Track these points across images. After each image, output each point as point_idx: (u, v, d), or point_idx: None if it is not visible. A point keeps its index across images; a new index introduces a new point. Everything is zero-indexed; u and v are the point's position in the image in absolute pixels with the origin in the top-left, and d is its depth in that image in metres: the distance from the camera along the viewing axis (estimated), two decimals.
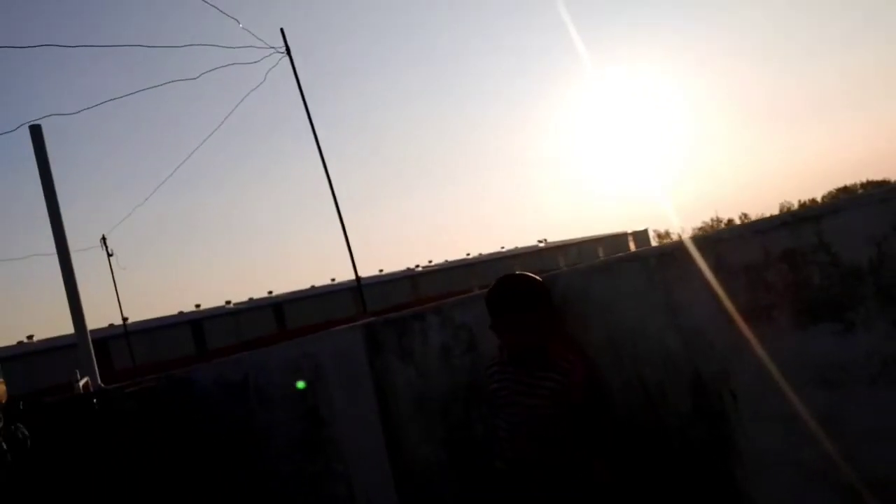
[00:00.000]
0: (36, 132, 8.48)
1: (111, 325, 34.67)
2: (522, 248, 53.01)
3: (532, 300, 2.38)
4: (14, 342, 34.43)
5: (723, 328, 2.01)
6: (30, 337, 35.13)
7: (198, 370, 5.43)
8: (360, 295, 9.52)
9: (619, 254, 2.53)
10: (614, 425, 2.39)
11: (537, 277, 2.45)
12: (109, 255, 23.28)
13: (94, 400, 4.82)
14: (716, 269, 2.02)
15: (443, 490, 3.17)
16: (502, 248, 54.22)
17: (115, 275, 24.09)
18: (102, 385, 6.97)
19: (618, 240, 57.24)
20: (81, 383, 6.29)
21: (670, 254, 2.15)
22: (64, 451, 4.53)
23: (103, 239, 23.03)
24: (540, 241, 55.93)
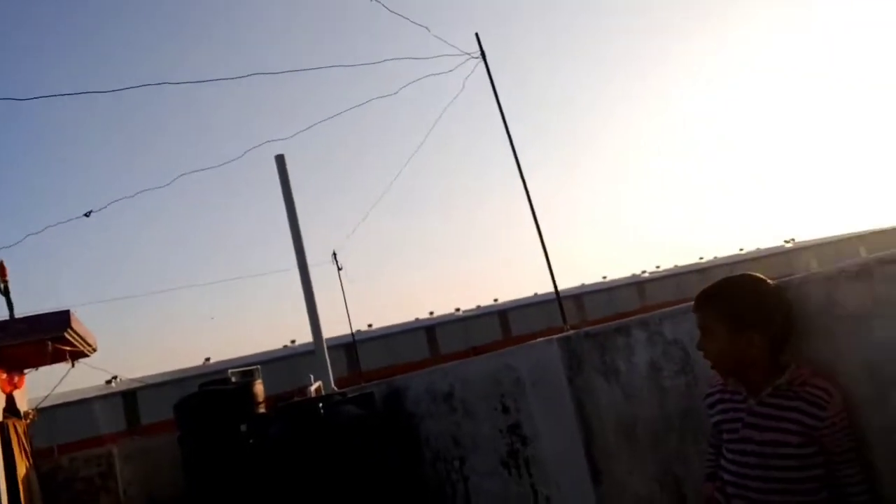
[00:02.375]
0: (280, 161, 9.45)
1: (359, 331, 38.08)
2: (765, 250, 47.86)
3: (741, 303, 1.93)
4: (280, 346, 39.41)
5: None
6: (292, 341, 40.01)
7: (413, 378, 5.55)
8: (559, 308, 9.18)
9: (882, 253, 1.95)
10: (873, 474, 1.83)
11: (766, 280, 1.98)
12: (339, 269, 25.41)
13: (320, 404, 5.15)
14: None
15: None
16: (741, 249, 49.52)
17: (344, 287, 26.23)
18: (334, 388, 7.52)
19: (887, 237, 49.12)
20: (313, 387, 6.84)
21: None
22: (294, 445, 4.92)
23: (334, 255, 25.24)
24: (787, 241, 50.07)
